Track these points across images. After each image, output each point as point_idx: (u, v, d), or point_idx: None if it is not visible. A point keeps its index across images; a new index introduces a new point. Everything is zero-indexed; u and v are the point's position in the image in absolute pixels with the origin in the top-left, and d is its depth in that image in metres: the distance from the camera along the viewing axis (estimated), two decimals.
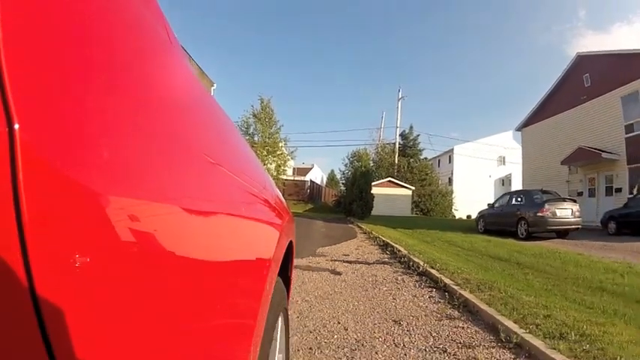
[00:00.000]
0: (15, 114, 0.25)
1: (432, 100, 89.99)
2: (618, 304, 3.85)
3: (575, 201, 12.20)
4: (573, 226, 11.29)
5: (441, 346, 2.76)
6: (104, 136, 0.34)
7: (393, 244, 8.08)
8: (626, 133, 16.26)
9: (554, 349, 2.52)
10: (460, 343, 2.83)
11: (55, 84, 0.29)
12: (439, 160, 41.59)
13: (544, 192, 12.60)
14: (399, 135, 34.05)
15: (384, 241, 8.89)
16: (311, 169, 51.18)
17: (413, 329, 3.14)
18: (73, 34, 0.34)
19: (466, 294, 3.95)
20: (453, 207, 32.06)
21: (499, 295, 3.91)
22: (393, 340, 2.88)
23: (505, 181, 36.97)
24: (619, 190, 15.95)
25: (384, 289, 4.51)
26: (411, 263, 5.87)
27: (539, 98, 22.38)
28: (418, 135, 35.70)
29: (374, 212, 19.24)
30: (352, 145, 60.30)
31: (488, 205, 14.58)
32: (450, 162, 39.28)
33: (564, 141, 18.90)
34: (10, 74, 0.25)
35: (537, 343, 2.63)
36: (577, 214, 11.33)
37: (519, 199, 12.47)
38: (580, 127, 18.56)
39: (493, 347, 2.75)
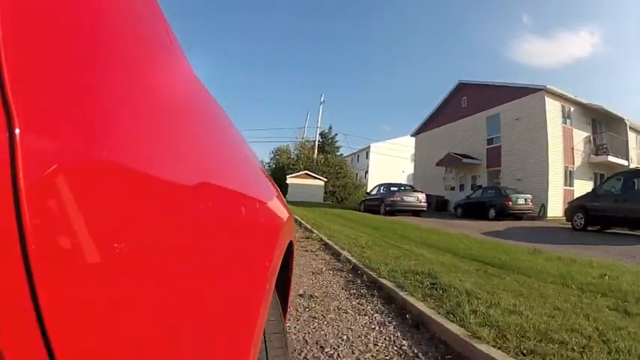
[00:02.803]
0: (15, 114, 0.25)
1: (368, 103, 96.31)
2: (409, 242, 7.54)
3: (422, 192, 17.62)
4: (419, 209, 16.56)
5: (314, 266, 5.00)
6: (104, 136, 0.34)
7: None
8: (487, 145, 21.72)
9: (361, 255, 5.21)
10: (321, 259, 5.56)
11: (55, 84, 0.30)
12: (358, 156, 46.92)
13: (401, 185, 17.97)
14: (319, 134, 39.70)
15: None
16: None
17: (303, 264, 5.13)
18: (73, 34, 0.34)
19: (326, 239, 7.03)
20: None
21: (346, 240, 6.79)
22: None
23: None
24: (480, 186, 20.97)
25: None
26: (301, 224, 9.79)
27: (430, 111, 27.67)
28: (336, 134, 41.59)
29: (291, 198, 24.16)
30: (279, 142, 64.06)
31: (366, 193, 20.74)
32: (366, 158, 44.59)
33: (445, 148, 24.00)
34: (10, 74, 0.25)
35: (353, 259, 5.10)
36: (422, 200, 16.74)
37: (383, 189, 17.90)
38: (457, 137, 23.83)
39: (332, 260, 5.46)
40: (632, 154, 21.99)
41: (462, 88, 24.69)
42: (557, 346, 2.15)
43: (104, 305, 0.30)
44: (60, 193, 0.27)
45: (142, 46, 0.51)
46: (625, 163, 19.97)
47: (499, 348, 2.11)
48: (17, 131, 0.25)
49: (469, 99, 23.68)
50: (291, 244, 1.27)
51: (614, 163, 19.57)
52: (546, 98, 18.73)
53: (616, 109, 20.87)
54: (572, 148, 19.61)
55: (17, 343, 0.24)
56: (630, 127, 21.61)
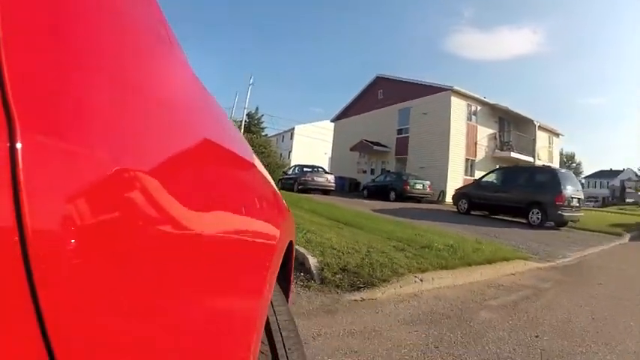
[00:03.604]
0: (15, 114, 0.25)
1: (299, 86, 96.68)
2: (301, 210, 9.22)
3: (330, 173, 19.73)
4: (328, 188, 18.35)
5: None
6: (105, 136, 0.34)
7: None
8: (397, 135, 24.07)
9: None
10: None
11: (55, 84, 0.30)
12: (283, 137, 48.25)
13: (314, 167, 19.60)
14: (246, 115, 41.14)
15: None
16: None
17: None
18: (73, 33, 0.34)
19: None
20: None
21: None
22: None
23: None
24: (384, 170, 23.22)
25: None
26: None
27: (349, 100, 29.65)
28: (262, 115, 43.16)
29: None
30: None
31: (284, 172, 22.64)
32: (291, 139, 46.06)
33: (360, 135, 26.01)
34: (11, 74, 0.25)
35: None
36: (331, 181, 18.61)
37: (297, 170, 19.71)
38: (371, 126, 25.91)
39: None
40: (544, 151, 25.79)
41: (379, 81, 26.84)
42: (340, 252, 4.16)
43: (104, 305, 0.31)
44: (60, 193, 0.27)
45: (142, 45, 0.51)
46: (530, 159, 23.20)
47: (316, 255, 3.93)
48: (17, 131, 0.24)
49: (385, 92, 25.87)
50: (291, 244, 1.26)
51: (517, 158, 22.62)
52: (452, 97, 21.14)
53: (525, 111, 24.25)
54: (476, 143, 22.28)
55: (17, 343, 0.24)
56: (541, 127, 25.09)
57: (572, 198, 11.65)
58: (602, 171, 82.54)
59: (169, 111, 0.54)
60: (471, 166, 22.05)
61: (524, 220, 11.83)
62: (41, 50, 0.29)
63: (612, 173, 77.00)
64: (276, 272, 0.91)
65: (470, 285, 4.28)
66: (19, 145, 0.25)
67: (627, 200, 42.02)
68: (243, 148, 1.01)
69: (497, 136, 23.82)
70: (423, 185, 18.26)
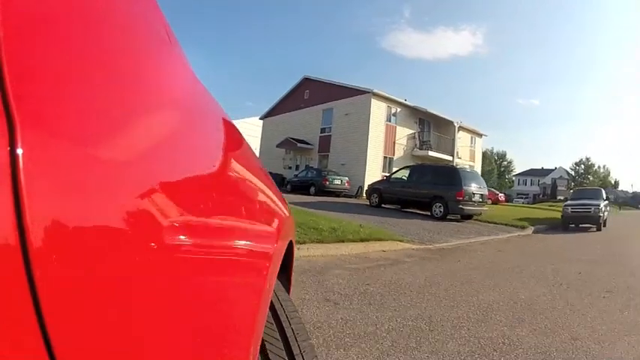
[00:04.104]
0: (15, 114, 0.25)
1: None
2: None
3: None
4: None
5: None
6: (105, 135, 0.34)
7: None
8: (320, 133, 25.67)
9: None
10: None
11: (55, 84, 0.29)
12: None
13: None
14: None
15: None
16: None
17: None
18: (74, 33, 0.34)
19: None
20: None
21: None
22: None
23: None
24: (310, 167, 24.28)
25: None
26: None
27: (278, 99, 30.82)
28: None
29: None
30: None
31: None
32: None
33: (286, 132, 27.40)
34: (11, 74, 0.25)
35: None
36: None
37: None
38: (297, 124, 27.29)
39: None
40: (465, 150, 28.29)
41: (305, 82, 28.24)
42: None
43: (105, 305, 0.30)
44: (61, 192, 0.27)
45: (142, 45, 0.51)
46: (449, 158, 25.38)
47: None
48: (18, 131, 0.24)
49: (311, 92, 27.26)
50: (291, 244, 1.24)
51: (436, 157, 24.76)
52: (373, 100, 22.84)
53: (445, 113, 26.64)
54: (394, 142, 24.19)
55: (17, 343, 0.24)
56: (462, 128, 27.47)
57: (474, 194, 12.91)
58: (533, 169, 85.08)
59: (170, 111, 0.54)
60: (389, 163, 23.71)
61: (428, 213, 12.99)
62: (41, 50, 0.29)
63: (544, 172, 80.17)
64: (276, 272, 0.91)
65: (340, 256, 5.58)
66: (19, 145, 0.24)
67: (559, 197, 43.42)
68: (243, 147, 1.00)
69: (417, 136, 25.95)
70: (342, 181, 19.80)
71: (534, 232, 12.73)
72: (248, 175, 0.94)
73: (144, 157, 0.41)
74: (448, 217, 12.81)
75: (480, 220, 13.43)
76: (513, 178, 77.97)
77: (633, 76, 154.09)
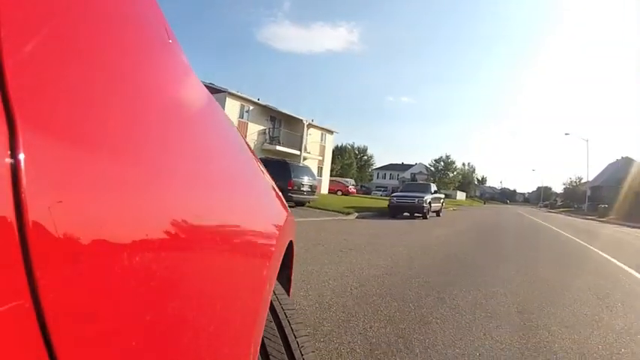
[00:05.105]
0: (16, 113, 0.24)
1: None
2: None
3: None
4: None
5: None
6: (105, 136, 0.34)
7: None
8: None
9: None
10: None
11: (56, 84, 0.29)
12: None
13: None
14: None
15: None
16: None
17: None
18: (74, 33, 0.34)
19: None
20: None
21: None
22: None
23: None
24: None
25: None
26: None
27: None
28: None
29: None
30: None
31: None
32: None
33: None
34: (11, 74, 0.25)
35: None
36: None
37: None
38: None
39: None
40: (315, 146, 30.09)
41: None
42: None
43: (105, 305, 0.30)
44: (61, 192, 0.27)
45: (141, 45, 0.51)
46: (297, 152, 27.16)
47: None
48: (18, 131, 0.24)
49: None
50: (291, 244, 1.26)
51: (284, 151, 26.10)
52: (228, 98, 23.57)
53: (293, 112, 28.43)
54: (246, 137, 25.15)
55: (17, 343, 0.24)
56: (311, 126, 29.43)
57: (303, 184, 14.55)
58: (393, 164, 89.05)
59: (170, 111, 0.54)
60: None
61: None
62: (42, 50, 0.28)
63: (404, 167, 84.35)
64: (277, 272, 0.91)
65: None
66: (19, 146, 0.24)
67: None
68: (243, 147, 1.01)
69: (267, 132, 27.29)
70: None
71: (358, 217, 13.88)
72: (248, 175, 0.95)
73: (144, 157, 0.41)
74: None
75: (312, 207, 14.78)
76: (373, 172, 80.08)
77: (506, 80, 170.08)
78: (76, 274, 0.28)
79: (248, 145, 1.17)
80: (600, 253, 8.26)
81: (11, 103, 0.25)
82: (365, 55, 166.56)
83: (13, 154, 0.24)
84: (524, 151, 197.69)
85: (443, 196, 21.15)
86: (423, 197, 15.58)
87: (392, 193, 23.57)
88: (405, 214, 15.90)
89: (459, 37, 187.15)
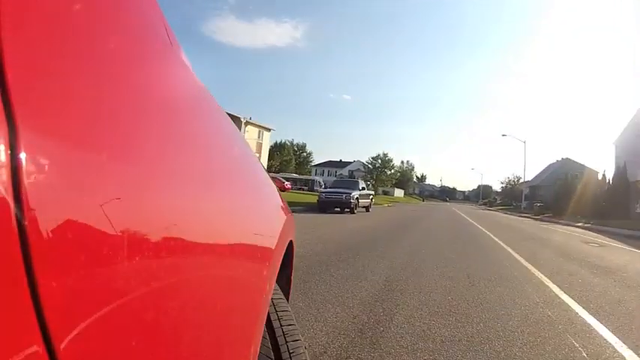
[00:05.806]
0: (16, 113, 0.24)
1: None
2: None
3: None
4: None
5: None
6: (105, 136, 0.34)
7: None
8: None
9: None
10: None
11: (56, 84, 0.29)
12: None
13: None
14: None
15: None
16: None
17: None
18: (74, 33, 0.34)
19: None
20: None
21: None
22: None
23: None
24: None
25: None
26: None
27: None
28: None
29: None
30: None
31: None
32: None
33: None
34: (11, 74, 0.25)
35: None
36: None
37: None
38: None
39: None
40: (252, 143, 30.24)
41: None
42: None
43: (105, 306, 0.30)
44: (61, 192, 0.27)
45: (142, 45, 0.51)
46: None
47: None
48: (18, 131, 0.24)
49: None
50: (291, 244, 1.25)
51: None
52: None
53: (233, 110, 28.62)
54: None
55: (18, 343, 0.24)
56: (249, 123, 30.25)
57: None
58: (331, 161, 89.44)
59: (170, 111, 0.54)
60: None
61: None
62: (42, 50, 0.29)
63: (342, 164, 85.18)
64: (277, 272, 0.91)
65: None
66: (19, 146, 0.24)
67: None
68: (243, 147, 1.00)
69: None
70: None
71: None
72: (248, 176, 0.95)
73: (145, 157, 0.42)
74: None
75: None
76: (311, 169, 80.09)
77: (445, 80, 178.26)
78: (77, 274, 0.28)
79: (249, 145, 1.14)
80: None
81: (11, 103, 0.24)
82: (307, 50, 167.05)
83: (13, 154, 0.24)
84: (465, 150, 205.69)
85: (372, 192, 22.05)
86: (351, 193, 16.38)
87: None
88: (336, 209, 16.51)
89: (398, 39, 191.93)
